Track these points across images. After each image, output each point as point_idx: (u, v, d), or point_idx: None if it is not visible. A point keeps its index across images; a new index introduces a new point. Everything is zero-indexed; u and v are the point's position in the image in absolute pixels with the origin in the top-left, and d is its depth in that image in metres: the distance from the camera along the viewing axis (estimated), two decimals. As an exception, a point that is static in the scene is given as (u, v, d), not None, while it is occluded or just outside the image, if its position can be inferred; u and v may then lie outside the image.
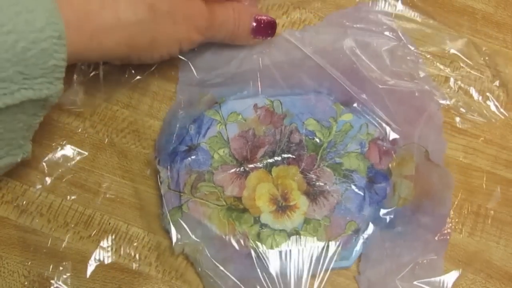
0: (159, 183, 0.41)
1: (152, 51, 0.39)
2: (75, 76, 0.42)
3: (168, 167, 0.41)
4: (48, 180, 0.42)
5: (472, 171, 0.44)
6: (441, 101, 0.44)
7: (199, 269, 0.40)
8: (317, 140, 0.43)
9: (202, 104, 0.43)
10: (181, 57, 0.43)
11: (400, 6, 0.47)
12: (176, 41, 0.39)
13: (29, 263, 0.40)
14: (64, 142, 0.43)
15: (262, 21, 0.43)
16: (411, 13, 0.47)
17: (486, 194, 0.43)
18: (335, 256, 0.40)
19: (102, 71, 0.42)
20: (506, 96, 0.46)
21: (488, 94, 0.46)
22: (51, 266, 0.40)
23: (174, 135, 0.42)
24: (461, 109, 0.45)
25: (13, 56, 0.30)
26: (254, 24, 0.43)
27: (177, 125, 0.42)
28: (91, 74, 0.42)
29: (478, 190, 0.43)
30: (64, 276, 0.39)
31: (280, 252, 0.40)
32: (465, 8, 0.48)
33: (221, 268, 0.39)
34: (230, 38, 0.43)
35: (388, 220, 0.41)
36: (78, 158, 0.43)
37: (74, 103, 0.43)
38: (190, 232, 0.40)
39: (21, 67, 0.30)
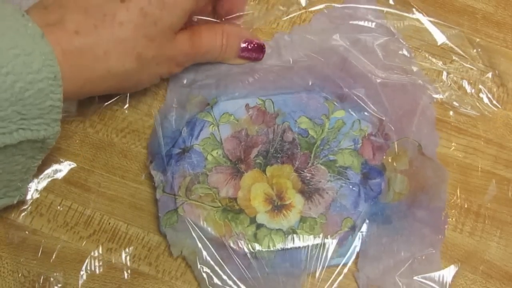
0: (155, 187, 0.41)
1: (136, 87, 0.42)
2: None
3: (162, 170, 0.41)
4: (48, 180, 0.42)
5: (472, 171, 0.44)
6: (434, 95, 0.44)
7: (197, 271, 0.40)
8: (310, 138, 0.43)
9: (193, 106, 0.43)
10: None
11: (391, 1, 0.47)
12: (157, 76, 0.41)
13: (29, 263, 0.40)
14: (65, 142, 0.43)
15: (251, 45, 0.44)
16: (400, 8, 0.47)
17: (486, 194, 0.43)
18: (333, 254, 0.40)
19: None
20: (506, 96, 0.46)
21: (480, 86, 0.46)
22: (49, 265, 0.40)
23: (167, 138, 0.42)
24: (454, 102, 0.45)
25: (11, 95, 0.31)
26: (243, 45, 0.44)
27: (169, 128, 0.42)
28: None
29: (478, 190, 0.43)
30: (64, 276, 0.39)
31: (277, 252, 0.40)
32: (465, 8, 0.48)
33: (219, 269, 0.39)
34: (215, 60, 0.44)
35: (384, 215, 0.41)
36: (78, 158, 0.43)
37: (68, 111, 0.43)
38: (186, 235, 0.40)
39: (19, 107, 0.32)
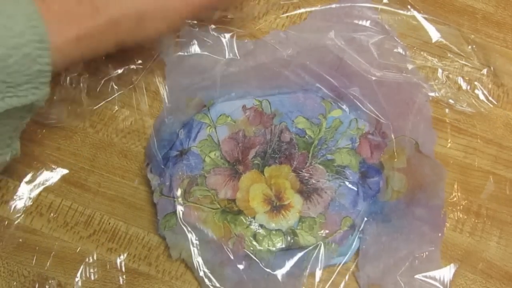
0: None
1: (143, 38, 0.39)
2: (55, 96, 0.42)
3: (160, 173, 0.41)
4: (48, 180, 0.42)
5: (472, 171, 0.43)
6: (430, 93, 0.44)
7: (197, 273, 0.40)
8: (308, 137, 0.43)
9: (190, 108, 0.43)
10: (166, 61, 0.44)
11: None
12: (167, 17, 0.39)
13: (29, 263, 0.40)
14: (65, 142, 0.43)
15: None
16: (395, 6, 0.47)
17: (486, 194, 0.43)
18: (332, 253, 0.40)
19: (85, 84, 0.42)
20: (506, 96, 0.46)
21: (476, 83, 0.45)
22: (49, 265, 0.40)
23: (165, 140, 0.42)
24: (450, 100, 0.45)
25: None
26: None
27: (167, 131, 0.42)
28: (73, 87, 0.43)
29: (478, 190, 0.43)
30: (64, 276, 0.40)
31: (277, 252, 0.40)
32: (465, 8, 0.48)
33: (219, 271, 0.39)
34: None
35: (383, 214, 0.41)
36: (78, 158, 0.43)
37: (60, 120, 0.43)
38: (185, 237, 0.40)
39: (3, 75, 0.30)
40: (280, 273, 0.39)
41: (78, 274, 0.40)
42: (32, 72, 0.30)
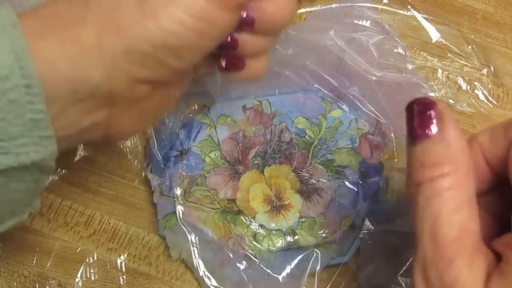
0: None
1: None
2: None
3: (160, 173, 0.41)
4: (48, 180, 0.42)
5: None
6: (430, 94, 0.44)
7: (197, 273, 0.40)
8: (308, 137, 0.43)
9: (190, 108, 0.43)
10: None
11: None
12: None
13: (29, 263, 0.40)
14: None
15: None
16: (395, 6, 0.47)
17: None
18: (332, 253, 0.40)
19: None
20: (506, 96, 0.46)
21: (476, 83, 0.45)
22: (49, 265, 0.40)
23: (165, 140, 0.42)
24: (450, 100, 0.45)
25: None
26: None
27: (167, 131, 0.42)
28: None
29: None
30: (64, 276, 0.40)
31: (277, 252, 0.40)
32: (465, 8, 0.48)
33: (219, 271, 0.39)
34: None
35: (383, 214, 0.41)
36: (78, 158, 0.43)
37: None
38: (185, 237, 0.40)
39: None
40: (280, 273, 0.39)
41: (78, 274, 0.40)
42: (24, 121, 0.25)
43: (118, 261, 0.41)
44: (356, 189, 0.41)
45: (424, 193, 0.25)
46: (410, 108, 0.29)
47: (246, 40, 0.30)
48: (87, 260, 0.40)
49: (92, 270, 0.40)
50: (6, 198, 0.27)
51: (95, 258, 0.40)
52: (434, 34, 0.46)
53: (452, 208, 0.25)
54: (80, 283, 0.40)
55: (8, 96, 0.24)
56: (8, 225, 0.29)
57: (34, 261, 0.40)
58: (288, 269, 0.40)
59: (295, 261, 0.40)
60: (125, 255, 0.41)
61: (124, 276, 0.40)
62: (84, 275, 0.40)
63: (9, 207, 0.28)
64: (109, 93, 0.28)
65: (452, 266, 0.24)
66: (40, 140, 0.26)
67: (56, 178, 0.42)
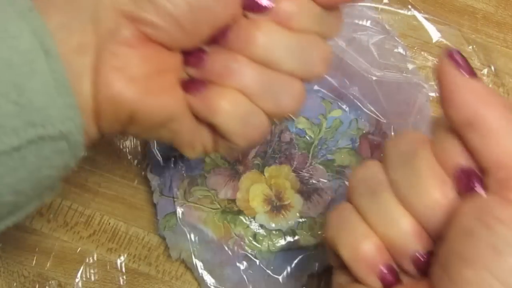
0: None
1: None
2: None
3: (160, 173, 0.41)
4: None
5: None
6: (430, 94, 0.44)
7: (197, 274, 0.40)
8: (308, 138, 0.43)
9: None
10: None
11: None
12: None
13: (29, 263, 0.40)
14: None
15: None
16: (396, 6, 0.47)
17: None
18: (333, 253, 0.40)
19: None
20: (506, 96, 0.46)
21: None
22: (49, 265, 0.40)
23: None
24: (450, 100, 0.44)
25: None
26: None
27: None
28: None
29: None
30: (64, 276, 0.40)
31: (277, 252, 0.40)
32: (466, 8, 0.48)
33: (219, 271, 0.39)
34: None
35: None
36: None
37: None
38: (185, 238, 0.40)
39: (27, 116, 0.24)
40: (280, 273, 0.39)
41: (78, 275, 0.40)
42: (49, 90, 0.25)
43: (118, 261, 0.40)
44: (356, 189, 0.41)
45: None
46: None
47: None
48: (87, 260, 0.40)
49: (92, 270, 0.40)
50: (40, 173, 0.27)
51: (95, 258, 0.40)
52: (435, 34, 0.46)
53: None
54: (80, 284, 0.40)
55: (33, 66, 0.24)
56: (28, 210, 0.29)
57: (34, 261, 0.40)
58: (288, 269, 0.40)
59: (295, 261, 0.40)
60: (125, 255, 0.41)
61: (124, 276, 0.40)
62: (84, 275, 0.40)
63: (35, 194, 0.28)
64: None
65: None
66: (65, 109, 0.25)
67: (56, 178, 0.42)
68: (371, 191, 0.27)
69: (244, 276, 0.39)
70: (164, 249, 0.41)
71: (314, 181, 0.42)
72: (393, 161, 0.28)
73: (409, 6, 0.47)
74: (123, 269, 0.40)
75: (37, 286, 0.39)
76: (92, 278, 0.40)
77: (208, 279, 0.39)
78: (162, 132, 0.29)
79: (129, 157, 0.43)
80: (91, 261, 0.40)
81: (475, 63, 0.46)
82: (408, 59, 0.45)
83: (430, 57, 0.46)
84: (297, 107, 0.31)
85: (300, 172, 0.42)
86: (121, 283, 0.40)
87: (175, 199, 0.41)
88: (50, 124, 0.25)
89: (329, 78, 0.43)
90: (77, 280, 0.40)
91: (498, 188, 0.23)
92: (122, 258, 0.41)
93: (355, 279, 0.27)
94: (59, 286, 0.40)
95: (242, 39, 0.28)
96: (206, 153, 0.32)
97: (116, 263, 0.40)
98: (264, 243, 0.40)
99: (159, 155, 0.41)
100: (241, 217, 0.41)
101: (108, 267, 0.40)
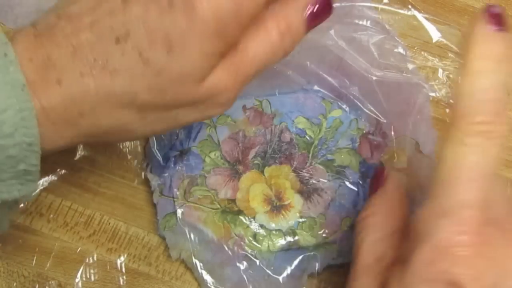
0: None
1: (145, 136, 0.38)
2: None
3: (160, 173, 0.41)
4: (48, 180, 0.42)
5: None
6: (430, 94, 0.44)
7: (197, 274, 0.40)
8: (308, 138, 0.43)
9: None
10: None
11: (385, -1, 0.47)
12: (181, 123, 0.32)
13: (29, 263, 0.40)
14: None
15: (317, 7, 0.30)
16: (396, 6, 0.47)
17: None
18: (333, 253, 0.40)
19: None
20: (506, 96, 0.45)
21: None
22: (49, 266, 0.40)
23: (164, 140, 0.42)
24: (451, 100, 0.44)
25: None
26: (308, 14, 0.30)
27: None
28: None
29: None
30: (64, 277, 0.40)
31: (277, 252, 0.40)
32: (466, 8, 0.48)
33: (219, 272, 0.39)
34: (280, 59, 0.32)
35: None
36: (77, 158, 0.43)
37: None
38: (185, 238, 0.40)
39: None
40: (280, 273, 0.39)
41: (78, 275, 0.40)
42: (17, 170, 0.27)
43: (118, 261, 0.40)
44: (356, 189, 0.41)
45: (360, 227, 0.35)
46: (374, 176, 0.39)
47: None
48: (87, 260, 0.40)
49: (92, 271, 0.40)
50: None
51: (95, 258, 0.40)
52: (435, 34, 0.46)
53: (371, 239, 0.34)
54: (80, 284, 0.40)
55: (9, 152, 0.25)
56: None
57: (34, 262, 0.40)
58: (288, 269, 0.40)
59: (295, 261, 0.40)
60: (125, 255, 0.41)
61: (124, 277, 0.40)
62: (84, 276, 0.40)
63: None
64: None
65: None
66: (25, 182, 0.27)
67: (56, 178, 0.42)
68: None
69: (244, 276, 0.39)
70: (164, 249, 0.41)
71: (314, 181, 0.42)
72: None
73: (409, 6, 0.47)
74: (123, 269, 0.40)
75: (37, 286, 0.39)
76: (92, 278, 0.40)
77: (208, 279, 0.39)
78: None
79: (129, 157, 0.43)
80: (91, 261, 0.40)
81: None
82: (408, 59, 0.45)
83: (430, 57, 0.46)
84: None
85: (300, 172, 0.42)
86: (121, 283, 0.40)
87: (175, 199, 0.41)
88: (8, 192, 0.27)
89: (329, 78, 0.43)
90: (77, 280, 0.40)
91: None
92: (122, 258, 0.41)
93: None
94: (59, 286, 0.40)
95: None
96: None
97: (116, 263, 0.40)
98: (264, 243, 0.40)
99: (159, 155, 0.41)
100: (241, 217, 0.41)
101: (108, 267, 0.40)
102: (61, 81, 0.27)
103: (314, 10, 0.30)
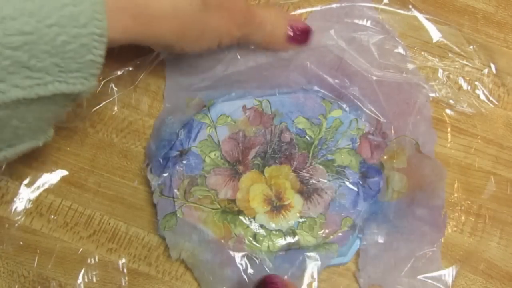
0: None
1: (196, 43, 0.39)
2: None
3: (160, 173, 0.41)
4: (48, 180, 0.42)
5: (472, 171, 0.43)
6: (430, 94, 0.44)
7: (197, 274, 0.40)
8: (308, 138, 0.43)
9: (190, 108, 0.43)
10: (167, 62, 0.44)
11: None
12: (218, 34, 0.39)
13: (29, 263, 0.40)
14: (64, 142, 0.43)
15: (297, 28, 0.43)
16: (396, 6, 0.47)
17: (487, 194, 0.43)
18: (333, 253, 0.40)
19: None
20: (507, 96, 0.45)
21: (477, 83, 0.45)
22: (49, 266, 0.40)
23: (165, 140, 0.42)
24: (450, 100, 0.45)
25: (52, 48, 0.30)
26: (290, 30, 0.42)
27: (167, 131, 0.42)
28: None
29: (479, 190, 0.43)
30: (64, 277, 0.40)
31: (277, 252, 0.40)
32: (466, 8, 0.48)
33: (219, 272, 0.39)
34: (265, 41, 0.42)
35: (383, 214, 0.41)
36: (78, 158, 0.43)
37: (60, 121, 0.43)
38: (185, 238, 0.40)
39: (58, 59, 0.30)
40: (280, 273, 0.39)
41: (80, 276, 0.40)
42: (85, 61, 0.31)
43: (118, 261, 0.40)
44: (356, 189, 0.41)
45: None
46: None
47: None
48: (88, 261, 0.40)
49: (93, 272, 0.40)
50: (40, 115, 0.33)
51: (96, 258, 0.40)
52: (435, 34, 0.46)
53: None
54: (82, 285, 0.40)
55: (82, 40, 0.30)
56: (23, 148, 0.34)
57: (34, 262, 0.40)
58: (288, 269, 0.40)
59: (295, 261, 0.40)
60: (125, 255, 0.41)
61: (124, 277, 0.40)
62: (84, 276, 0.40)
63: (36, 125, 0.33)
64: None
65: None
66: (89, 75, 0.32)
67: (56, 178, 0.42)
68: None
69: (244, 276, 0.39)
70: (164, 249, 0.41)
71: (314, 181, 0.42)
72: None
73: (410, 6, 0.47)
74: (123, 270, 0.40)
75: (36, 286, 0.40)
76: (92, 278, 0.40)
77: (208, 279, 0.39)
78: None
79: (129, 157, 0.43)
80: (92, 261, 0.40)
81: (475, 63, 0.46)
82: (408, 59, 0.45)
83: (430, 57, 0.46)
84: None
85: (300, 172, 0.42)
86: (121, 283, 0.40)
87: (175, 199, 0.41)
88: (74, 84, 0.32)
89: (329, 78, 0.43)
90: (77, 280, 0.40)
91: None
92: (122, 258, 0.41)
93: None
94: (59, 286, 0.40)
95: None
96: None
97: (116, 264, 0.40)
98: (264, 243, 0.40)
99: (159, 155, 0.41)
100: (241, 217, 0.41)
101: (108, 267, 0.40)
102: None
103: (292, 34, 0.43)
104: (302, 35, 0.43)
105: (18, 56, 0.29)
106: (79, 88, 0.32)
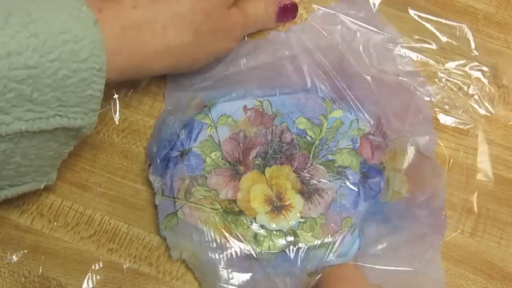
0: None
1: (192, 68, 0.42)
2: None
3: (161, 174, 0.41)
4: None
5: (473, 171, 0.43)
6: (430, 95, 0.44)
7: (198, 274, 0.40)
8: (309, 138, 0.43)
9: (191, 109, 0.43)
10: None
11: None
12: (215, 54, 0.42)
13: (30, 263, 0.40)
14: None
15: (286, 6, 0.46)
16: (396, 6, 0.47)
17: (487, 195, 0.43)
18: (333, 254, 0.40)
19: None
20: (507, 96, 0.46)
21: (477, 83, 0.45)
22: (50, 266, 0.40)
23: (165, 141, 0.42)
24: (451, 101, 0.45)
25: (54, 81, 0.31)
26: (278, 9, 0.45)
27: (167, 131, 0.42)
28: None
29: (479, 191, 0.43)
30: (64, 277, 0.40)
31: (278, 253, 0.40)
32: (466, 8, 0.48)
33: (220, 272, 0.39)
34: (259, 28, 0.46)
35: (384, 214, 0.41)
36: (78, 158, 0.43)
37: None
38: (186, 238, 0.40)
39: (59, 93, 0.32)
40: (280, 273, 0.39)
41: (79, 274, 0.40)
42: (84, 95, 0.33)
43: (119, 261, 0.40)
44: (357, 189, 0.41)
45: None
46: None
47: None
48: (87, 260, 0.40)
49: (92, 271, 0.40)
50: (42, 153, 0.34)
51: (96, 258, 0.40)
52: (435, 35, 0.46)
53: None
54: (80, 283, 0.40)
55: (82, 74, 0.32)
56: (25, 189, 0.36)
57: (34, 261, 0.40)
58: (288, 269, 0.40)
59: (296, 262, 0.40)
60: (126, 256, 0.41)
61: (125, 277, 0.40)
62: (84, 276, 0.40)
63: (38, 164, 0.35)
64: None
65: None
66: (89, 111, 0.33)
67: (56, 178, 0.42)
68: None
69: (245, 277, 0.39)
70: (164, 250, 0.41)
71: (314, 182, 0.42)
72: None
73: (410, 7, 0.47)
74: (124, 270, 0.40)
75: (37, 287, 0.39)
76: (95, 279, 0.40)
77: (209, 279, 0.39)
78: None
79: (129, 158, 0.43)
80: (92, 260, 0.40)
81: (475, 63, 0.46)
82: (408, 61, 0.45)
83: (430, 60, 0.46)
84: None
85: (301, 173, 0.42)
86: (122, 283, 0.40)
87: (176, 200, 0.41)
88: (74, 119, 0.33)
89: (330, 79, 0.43)
90: (77, 280, 0.40)
91: None
92: (122, 258, 0.41)
93: None
94: (59, 286, 0.40)
95: None
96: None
97: (116, 264, 0.40)
98: (264, 244, 0.40)
99: (159, 155, 0.41)
100: (242, 218, 0.41)
101: (109, 267, 0.40)
102: (136, 6, 0.36)
103: (283, 9, 0.46)
104: (289, 11, 0.46)
105: (22, 89, 0.30)
106: (79, 123, 0.33)
